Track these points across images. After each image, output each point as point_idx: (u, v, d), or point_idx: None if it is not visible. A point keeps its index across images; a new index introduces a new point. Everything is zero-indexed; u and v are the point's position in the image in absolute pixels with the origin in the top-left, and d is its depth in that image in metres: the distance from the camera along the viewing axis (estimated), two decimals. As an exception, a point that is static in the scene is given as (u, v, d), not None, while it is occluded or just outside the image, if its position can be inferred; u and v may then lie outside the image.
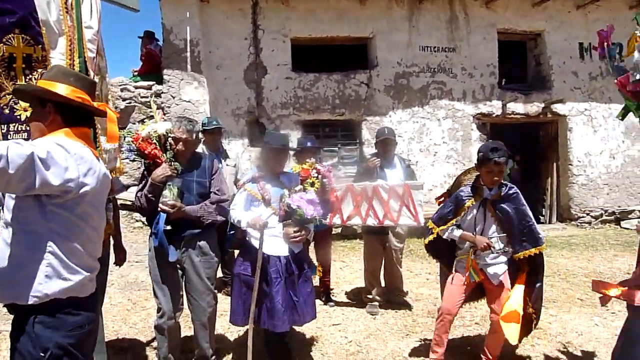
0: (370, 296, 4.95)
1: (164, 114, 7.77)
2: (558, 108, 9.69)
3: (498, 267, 3.43)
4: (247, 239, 3.58)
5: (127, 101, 8.28)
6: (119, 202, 6.46)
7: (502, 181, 3.35)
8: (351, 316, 4.82)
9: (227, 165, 5.30)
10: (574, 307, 5.11)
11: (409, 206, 4.68)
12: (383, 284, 5.15)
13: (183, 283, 3.37)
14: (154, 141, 3.14)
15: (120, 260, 3.59)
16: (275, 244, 3.51)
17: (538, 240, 3.35)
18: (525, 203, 3.38)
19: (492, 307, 3.47)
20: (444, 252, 3.74)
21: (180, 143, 3.20)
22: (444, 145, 9.36)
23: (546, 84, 9.80)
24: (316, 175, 4.62)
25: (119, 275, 5.74)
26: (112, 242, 3.54)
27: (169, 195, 3.14)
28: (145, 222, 7.87)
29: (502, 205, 3.32)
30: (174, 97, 8.30)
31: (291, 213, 3.52)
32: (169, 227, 3.16)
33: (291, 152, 4.33)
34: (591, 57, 9.88)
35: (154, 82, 8.62)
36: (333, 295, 5.35)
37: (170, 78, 8.36)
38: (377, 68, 9.19)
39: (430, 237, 3.66)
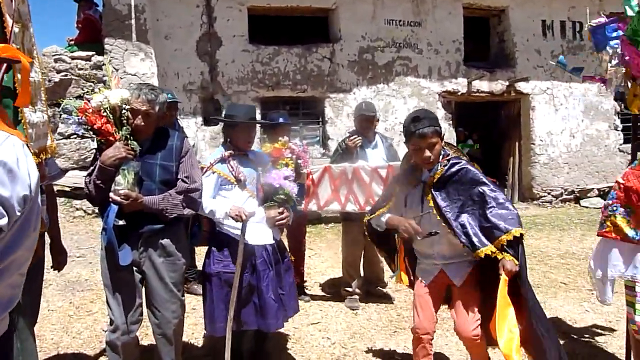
0: (349, 289, 4.50)
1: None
2: (521, 86, 9.56)
3: (460, 265, 2.66)
4: (218, 230, 3.03)
5: (63, 73, 7.28)
6: (55, 187, 5.58)
7: (450, 156, 2.62)
8: (330, 312, 4.36)
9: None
10: (559, 291, 4.91)
11: (393, 190, 4.23)
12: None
13: (143, 289, 2.75)
14: (106, 113, 2.48)
15: (59, 263, 2.95)
16: (259, 231, 3.00)
17: (496, 230, 2.43)
18: (482, 180, 2.54)
19: (452, 312, 2.69)
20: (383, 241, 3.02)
21: (140, 116, 2.55)
22: (409, 124, 8.99)
23: (510, 62, 9.63)
24: (290, 155, 4.12)
25: (58, 274, 4.94)
26: (48, 240, 2.87)
27: (122, 183, 2.50)
28: (88, 211, 7.02)
29: (448, 186, 2.55)
30: (117, 70, 7.37)
31: (273, 193, 3.00)
32: (121, 223, 2.54)
33: (258, 127, 3.77)
34: (553, 35, 9.81)
35: (94, 53, 7.64)
36: (307, 289, 4.86)
37: (112, 48, 7.42)
38: (340, 42, 8.63)
39: (364, 228, 3.00)
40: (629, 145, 10.51)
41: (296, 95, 8.57)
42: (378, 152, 4.45)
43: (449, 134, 9.31)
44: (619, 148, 10.31)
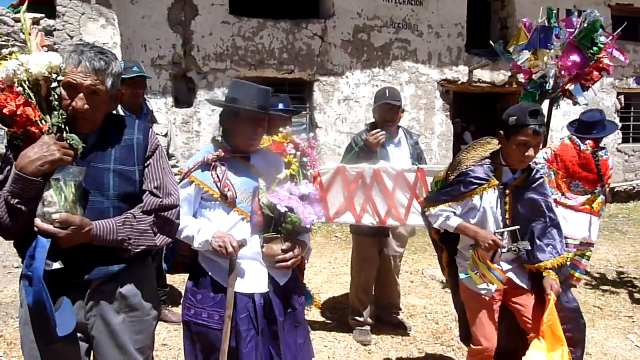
0: (360, 319, 3.64)
1: (47, 44, 5.73)
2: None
3: (522, 268, 2.51)
4: (198, 260, 2.13)
5: (3, 39, 6.05)
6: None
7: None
8: (337, 350, 3.49)
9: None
10: (595, 318, 4.19)
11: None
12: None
13: (90, 362, 1.80)
14: (24, 90, 1.49)
15: None
16: (247, 272, 2.07)
17: (562, 246, 2.48)
18: (549, 194, 2.51)
19: (530, 327, 2.42)
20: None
21: (81, 95, 1.56)
22: (405, 114, 8.12)
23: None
24: (293, 151, 3.21)
25: (-13, 292, 3.89)
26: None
27: (56, 201, 1.53)
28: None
29: (526, 193, 2.44)
30: (71, 37, 6.21)
31: (277, 220, 2.07)
32: (56, 266, 1.57)
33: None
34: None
35: (44, 15, 6.42)
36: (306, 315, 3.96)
37: (66, 11, 6.23)
38: (333, 18, 7.67)
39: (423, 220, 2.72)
40: (628, 145, 10.04)
41: (282, 76, 7.59)
42: (402, 150, 3.57)
43: (447, 127, 8.56)
44: (617, 147, 9.81)
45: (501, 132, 2.38)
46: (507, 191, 2.43)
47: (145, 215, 1.73)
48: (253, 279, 2.06)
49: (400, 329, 3.79)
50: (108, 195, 1.68)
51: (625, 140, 10.04)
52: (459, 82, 8.48)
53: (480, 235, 2.34)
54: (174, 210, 1.81)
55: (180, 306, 4.05)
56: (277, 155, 2.37)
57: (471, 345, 2.55)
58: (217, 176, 2.06)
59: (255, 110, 2.04)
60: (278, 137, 3.13)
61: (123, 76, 3.36)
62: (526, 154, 2.30)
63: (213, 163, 2.07)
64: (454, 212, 2.49)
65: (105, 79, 1.63)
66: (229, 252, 1.90)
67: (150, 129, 1.86)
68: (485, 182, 2.41)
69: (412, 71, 8.14)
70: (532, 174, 2.46)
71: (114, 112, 1.83)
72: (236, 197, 2.06)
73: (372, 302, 3.72)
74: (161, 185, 1.78)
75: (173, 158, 3.77)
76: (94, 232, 1.60)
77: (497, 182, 2.42)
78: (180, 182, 2.07)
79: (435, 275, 5.06)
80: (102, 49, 1.69)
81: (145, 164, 1.77)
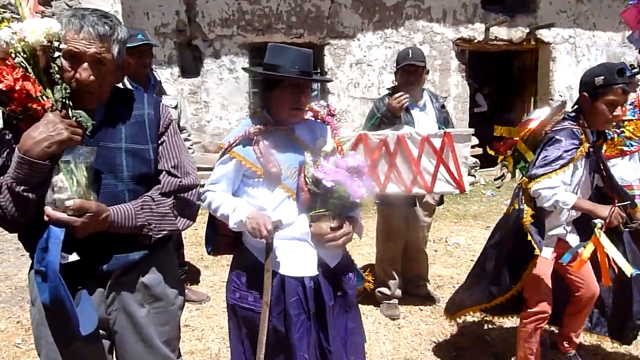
0: (388, 292, 3.52)
1: (45, 9, 5.51)
2: (543, 34, 8.46)
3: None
4: (243, 241, 1.98)
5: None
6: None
7: None
8: (366, 325, 3.34)
9: (164, 106, 3.40)
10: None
11: (449, 166, 3.19)
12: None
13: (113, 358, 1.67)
14: (21, 62, 1.30)
15: None
16: (295, 254, 1.91)
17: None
18: None
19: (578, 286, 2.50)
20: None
21: (85, 65, 1.37)
22: (420, 76, 7.87)
23: (530, 6, 8.47)
24: (312, 119, 3.01)
25: (2, 276, 3.79)
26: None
27: (67, 186, 1.37)
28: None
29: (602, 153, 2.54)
30: (70, 7, 5.95)
31: (323, 196, 1.88)
32: (73, 258, 1.42)
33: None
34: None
35: (40, -15, 6.16)
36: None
37: (63, -21, 5.97)
38: (342, -24, 7.31)
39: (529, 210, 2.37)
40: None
41: (291, 41, 7.26)
42: (428, 114, 3.36)
43: (463, 89, 8.26)
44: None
45: (585, 94, 2.31)
46: (596, 153, 2.41)
47: (164, 198, 1.57)
48: (302, 262, 1.89)
49: (429, 301, 3.66)
50: (122, 177, 1.52)
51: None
52: (475, 41, 8.11)
53: (607, 211, 2.19)
54: (194, 190, 1.65)
55: (200, 284, 4.00)
56: (323, 125, 2.15)
57: (527, 309, 2.52)
58: (260, 151, 1.86)
59: (298, 77, 1.83)
60: (296, 105, 2.93)
61: (127, 45, 3.18)
62: (615, 113, 2.27)
63: (255, 137, 1.88)
64: (563, 185, 2.27)
65: (111, 45, 1.43)
66: (263, 236, 1.74)
67: (162, 103, 1.68)
68: (580, 145, 2.29)
69: (426, 31, 7.77)
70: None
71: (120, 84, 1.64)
72: (281, 174, 1.89)
73: (400, 275, 3.59)
74: (179, 165, 1.61)
75: (184, 131, 3.59)
76: (111, 218, 1.44)
77: (587, 144, 2.32)
78: (220, 157, 1.92)
79: (459, 243, 4.92)
80: (104, 13, 1.48)
81: (160, 142, 1.60)
